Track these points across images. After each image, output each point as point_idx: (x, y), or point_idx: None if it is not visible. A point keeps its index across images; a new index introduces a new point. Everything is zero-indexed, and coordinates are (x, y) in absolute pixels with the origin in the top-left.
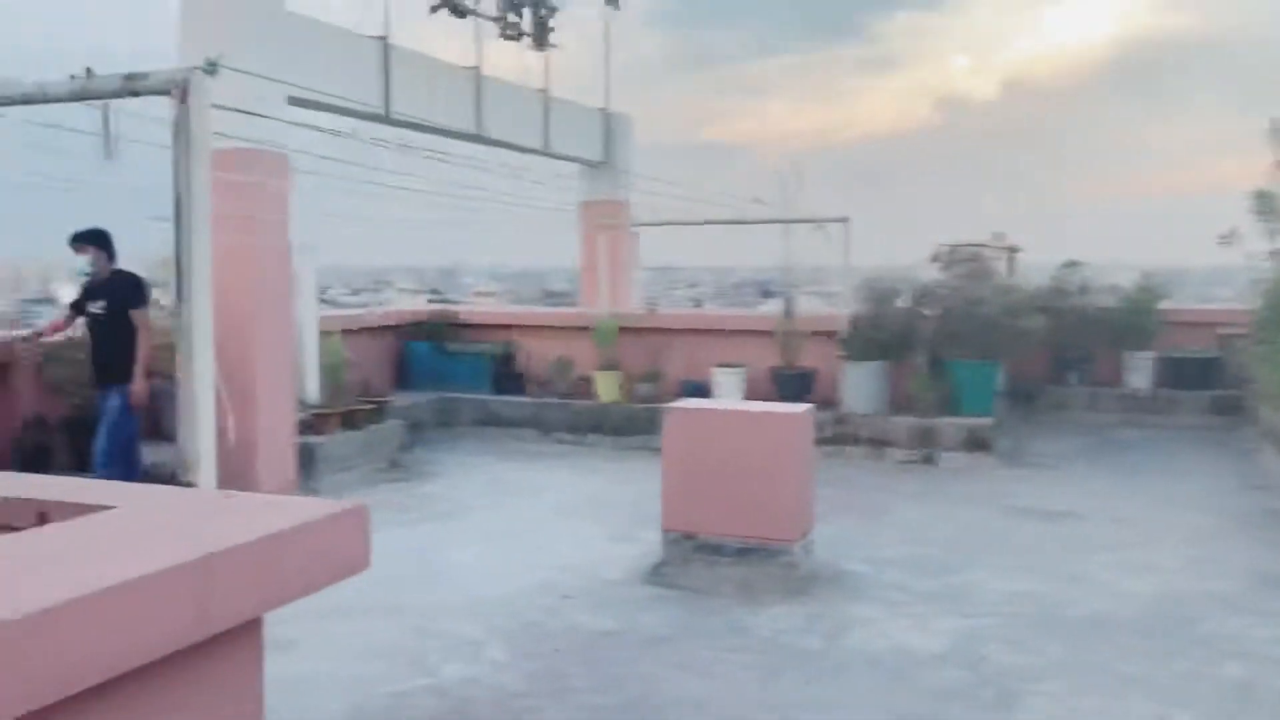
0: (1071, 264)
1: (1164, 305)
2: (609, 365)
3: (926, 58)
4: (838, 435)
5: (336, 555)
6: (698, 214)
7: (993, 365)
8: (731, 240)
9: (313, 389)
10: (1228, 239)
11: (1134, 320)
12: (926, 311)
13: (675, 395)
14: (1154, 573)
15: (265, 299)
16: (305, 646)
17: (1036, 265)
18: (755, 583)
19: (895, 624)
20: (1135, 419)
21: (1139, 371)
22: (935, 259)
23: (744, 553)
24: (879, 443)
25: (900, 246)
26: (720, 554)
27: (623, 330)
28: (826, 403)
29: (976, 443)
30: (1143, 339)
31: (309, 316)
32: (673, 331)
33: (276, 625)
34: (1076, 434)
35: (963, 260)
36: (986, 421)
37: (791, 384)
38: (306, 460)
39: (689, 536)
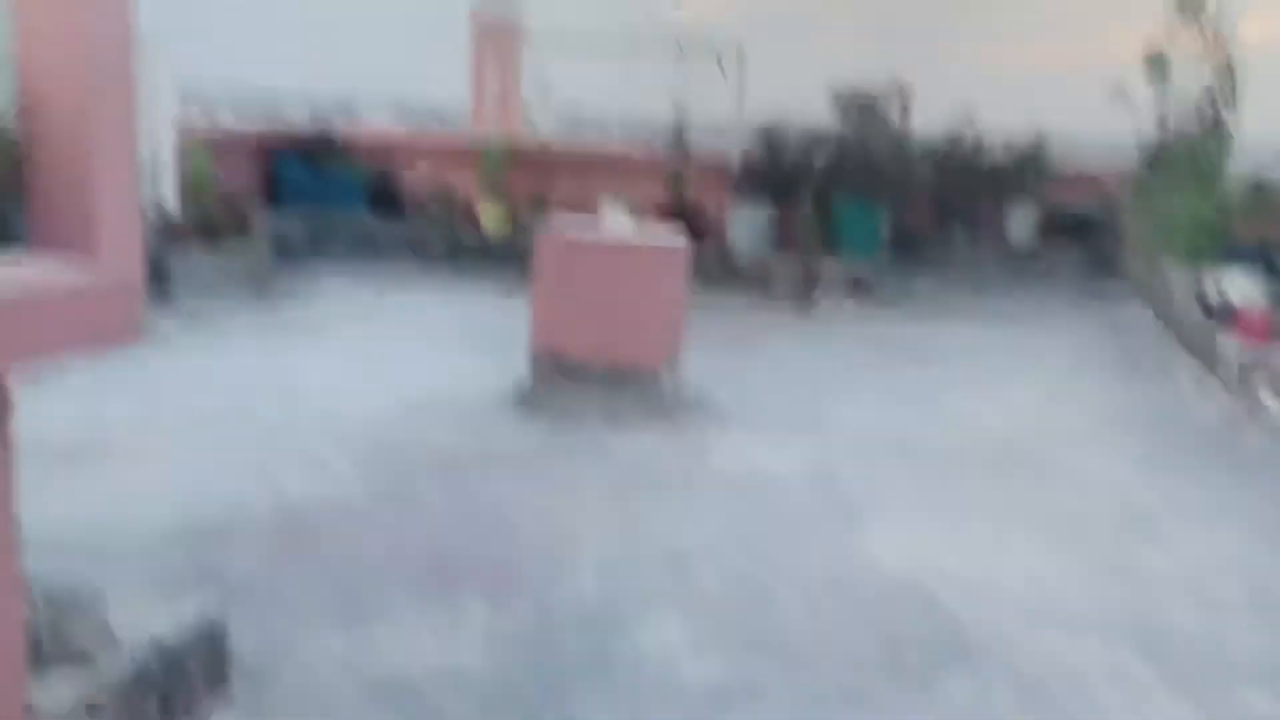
0: (963, 116)
1: (1049, 161)
2: (494, 194)
3: None
4: (722, 273)
5: (93, 322)
6: (593, 31)
7: (878, 211)
8: (638, 84)
9: (170, 200)
10: (1118, 93)
11: (1019, 174)
12: (817, 153)
13: None
14: (1009, 410)
15: (100, 89)
16: (144, 456)
17: (932, 121)
18: (620, 407)
19: (753, 450)
20: (1014, 268)
21: (1021, 224)
22: (832, 101)
23: (611, 378)
24: (762, 282)
25: (799, 92)
26: (586, 379)
27: (510, 158)
28: (714, 241)
29: (857, 285)
30: (1026, 193)
31: (165, 118)
32: (562, 162)
33: (115, 433)
34: (956, 281)
35: (857, 104)
36: (868, 265)
37: (679, 221)
38: (159, 276)
39: (556, 360)
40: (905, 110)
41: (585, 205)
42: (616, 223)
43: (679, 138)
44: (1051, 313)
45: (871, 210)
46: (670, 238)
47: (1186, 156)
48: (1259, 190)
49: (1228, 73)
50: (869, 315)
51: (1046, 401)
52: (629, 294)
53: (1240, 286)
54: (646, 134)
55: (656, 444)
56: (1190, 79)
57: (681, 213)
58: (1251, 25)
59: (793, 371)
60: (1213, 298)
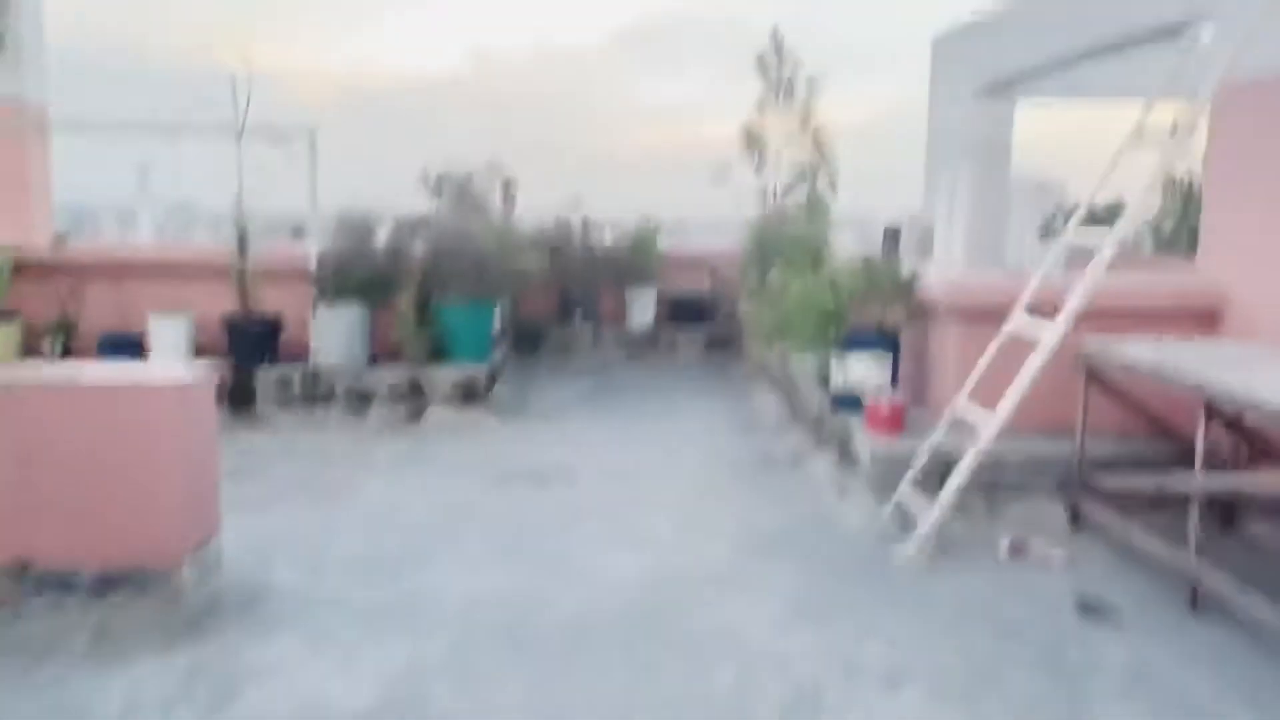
0: (570, 202)
1: (661, 244)
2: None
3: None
4: (308, 394)
5: None
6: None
7: (488, 306)
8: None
9: None
10: (721, 172)
11: (635, 258)
12: (413, 246)
13: (95, 353)
14: (642, 545)
15: None
16: None
17: (540, 208)
18: (119, 628)
19: (312, 667)
20: (638, 356)
21: (641, 309)
22: (423, 182)
23: (106, 585)
24: (359, 399)
25: (390, 181)
26: (71, 590)
27: (21, 270)
28: (297, 354)
29: (469, 394)
30: (643, 277)
31: None
32: (94, 271)
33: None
34: (579, 376)
35: (453, 188)
36: (481, 369)
37: (250, 333)
38: None
39: (22, 567)
40: (509, 197)
41: (129, 321)
42: (171, 342)
43: (240, 233)
44: (676, 405)
45: (479, 305)
46: (175, 370)
47: (790, 235)
48: (868, 268)
49: (820, 152)
50: (483, 428)
51: (681, 531)
52: (119, 457)
53: (863, 372)
54: (285, 236)
55: (165, 684)
56: (787, 160)
57: (251, 323)
58: (838, 110)
59: (384, 522)
60: (837, 386)
